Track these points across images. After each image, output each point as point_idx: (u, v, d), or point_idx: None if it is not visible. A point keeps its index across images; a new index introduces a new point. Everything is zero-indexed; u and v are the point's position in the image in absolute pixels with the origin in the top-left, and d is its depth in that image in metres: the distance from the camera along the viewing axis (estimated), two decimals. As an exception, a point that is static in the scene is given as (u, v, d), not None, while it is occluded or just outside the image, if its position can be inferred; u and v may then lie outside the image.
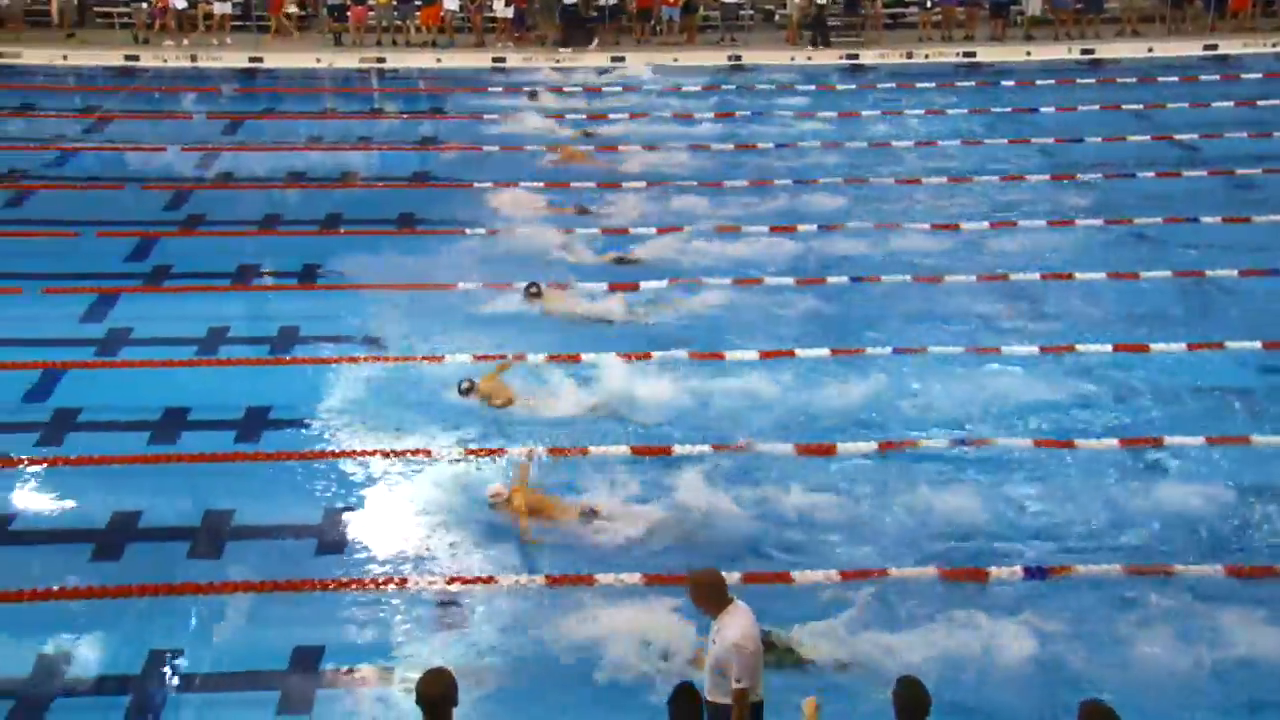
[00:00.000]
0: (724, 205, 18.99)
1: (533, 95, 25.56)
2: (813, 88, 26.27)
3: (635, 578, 10.14)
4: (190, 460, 11.78)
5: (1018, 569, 10.28)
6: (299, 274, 16.15)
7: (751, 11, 30.56)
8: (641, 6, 29.61)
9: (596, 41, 28.90)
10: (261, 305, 15.39)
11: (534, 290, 15.03)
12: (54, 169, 20.31)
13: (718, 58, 28.66)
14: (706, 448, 12.12)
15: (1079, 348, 14.16)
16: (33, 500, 11.27)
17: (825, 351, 14.18)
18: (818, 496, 11.30)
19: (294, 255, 16.66)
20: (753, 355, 14.10)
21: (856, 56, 28.65)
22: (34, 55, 27.37)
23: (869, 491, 11.49)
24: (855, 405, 13.01)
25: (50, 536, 10.80)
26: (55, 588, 9.84)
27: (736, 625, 7.26)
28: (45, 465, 11.64)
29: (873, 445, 12.22)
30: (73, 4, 28.75)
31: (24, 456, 11.70)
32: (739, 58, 28.64)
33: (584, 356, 13.85)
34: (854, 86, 26.63)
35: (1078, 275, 16.14)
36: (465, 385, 12.74)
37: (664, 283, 15.99)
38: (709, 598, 7.43)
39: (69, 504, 11.16)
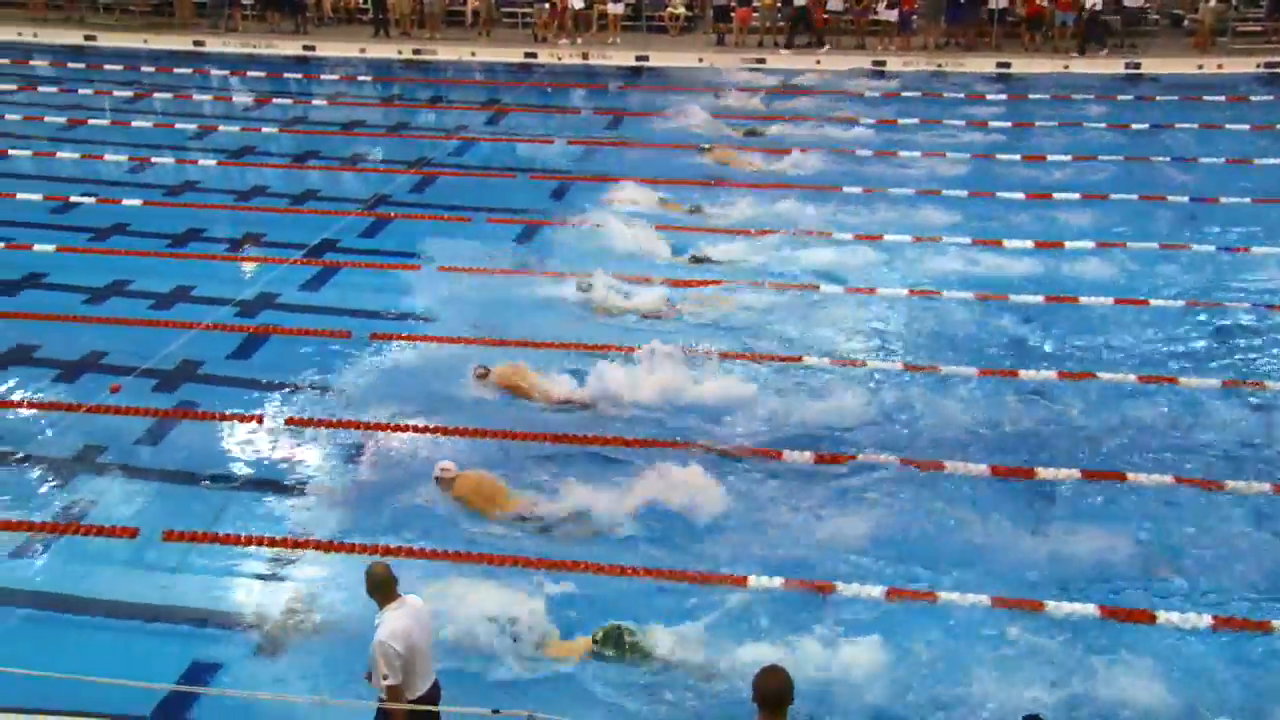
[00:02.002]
0: (1110, 220, 17.90)
1: (907, 100, 25.14)
2: (1222, 99, 24.28)
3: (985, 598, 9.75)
4: (550, 440, 12.30)
5: None
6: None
7: (1157, 16, 28.62)
8: (1031, 14, 28.38)
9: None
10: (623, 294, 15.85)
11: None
12: (454, 157, 21.86)
13: (1114, 66, 27.04)
14: (1076, 472, 11.47)
15: None
16: (416, 466, 11.89)
17: (1216, 383, 13.06)
18: (1198, 535, 10.57)
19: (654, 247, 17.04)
20: (1131, 379, 13.21)
21: None
22: (447, 52, 29.65)
23: (1249, 532, 10.58)
24: (1244, 441, 11.95)
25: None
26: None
27: (390, 624, 7.49)
28: (427, 434, 12.41)
29: (1265, 486, 11.13)
30: (491, 5, 30.88)
31: (409, 424, 12.56)
32: (1138, 65, 26.89)
33: (946, 368, 13.52)
34: (1271, 98, 24.38)
35: None
36: (480, 371, 12.98)
37: (1039, 298, 15.30)
38: (375, 591, 7.66)
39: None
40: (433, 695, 7.82)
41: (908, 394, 13.04)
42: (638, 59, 28.81)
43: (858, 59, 28.33)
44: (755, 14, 29.87)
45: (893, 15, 29.12)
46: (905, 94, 25.72)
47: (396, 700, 7.54)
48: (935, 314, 15.00)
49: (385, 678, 7.47)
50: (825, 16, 29.52)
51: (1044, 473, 11.49)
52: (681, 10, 30.97)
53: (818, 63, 28.10)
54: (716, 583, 10.01)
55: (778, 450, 11.93)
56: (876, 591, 9.87)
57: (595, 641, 9.15)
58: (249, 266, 16.76)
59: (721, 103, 24.72)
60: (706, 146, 21.31)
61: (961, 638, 9.34)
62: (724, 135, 22.30)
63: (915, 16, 29.04)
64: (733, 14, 29.65)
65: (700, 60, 28.57)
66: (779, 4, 29.61)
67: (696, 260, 16.50)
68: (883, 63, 28.05)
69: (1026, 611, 9.60)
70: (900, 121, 23.54)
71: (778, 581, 9.98)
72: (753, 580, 10.00)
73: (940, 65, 27.75)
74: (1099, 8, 27.57)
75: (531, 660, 9.08)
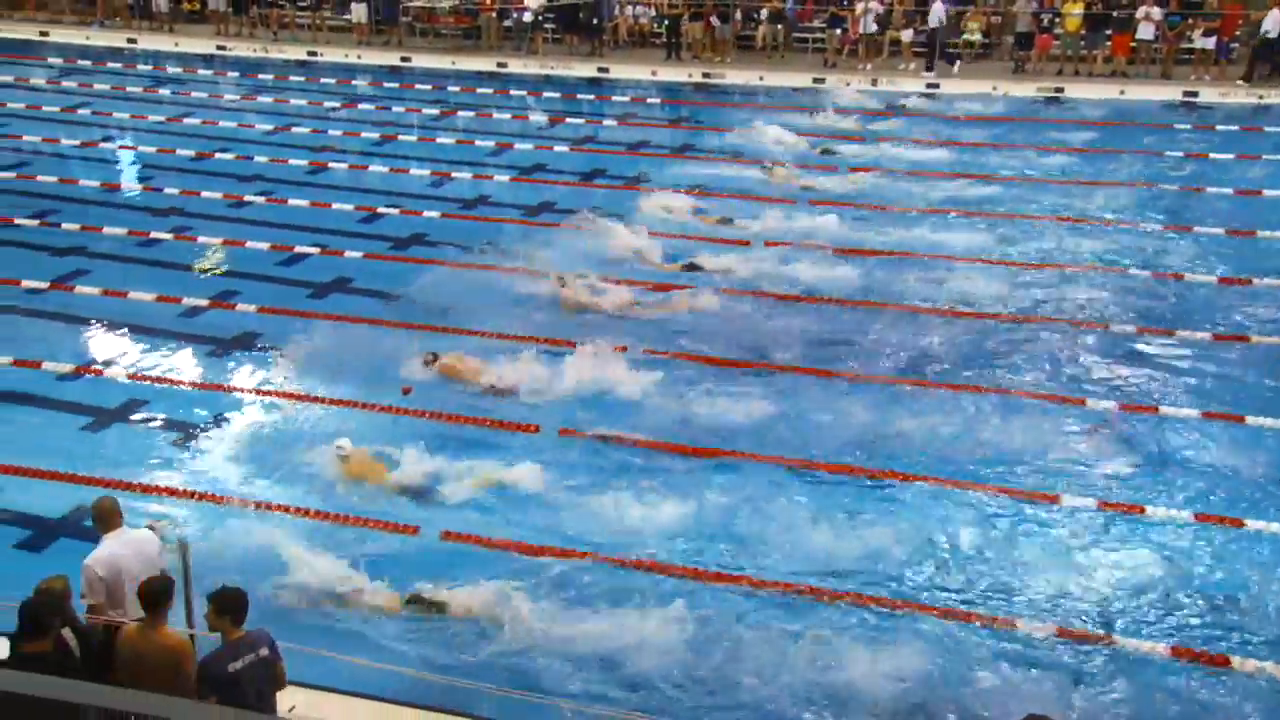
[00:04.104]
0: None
1: (1222, 133, 23.58)
2: None
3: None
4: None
5: None
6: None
7: None
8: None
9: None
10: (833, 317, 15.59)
11: None
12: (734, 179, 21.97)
13: None
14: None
15: None
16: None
17: None
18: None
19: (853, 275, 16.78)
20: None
21: None
22: (735, 76, 29.94)
23: None
24: None
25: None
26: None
27: (100, 550, 7.99)
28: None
29: None
30: (775, 30, 31.06)
31: (689, 444, 12.66)
32: None
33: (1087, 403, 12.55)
34: None
35: None
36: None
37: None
38: (95, 522, 8.22)
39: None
40: None
41: (1204, 443, 12.24)
42: (928, 85, 28.22)
43: (1165, 90, 26.81)
44: (1057, 41, 28.74)
45: (1210, 43, 27.37)
46: (1220, 127, 24.16)
47: (94, 618, 7.92)
48: (1241, 361, 14.01)
49: (84, 596, 7.96)
50: (1132, 45, 28.08)
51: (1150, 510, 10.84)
52: (977, 37, 30.15)
53: (1120, 93, 26.74)
54: (982, 622, 9.66)
55: (1054, 494, 11.39)
56: (1162, 649, 9.31)
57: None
58: (532, 279, 17.29)
59: (1010, 135, 23.93)
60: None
61: (1258, 708, 8.67)
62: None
63: (1236, 44, 27.17)
64: (1035, 40, 28.63)
65: (994, 89, 27.68)
66: (1084, 31, 28.37)
67: None
68: (1194, 93, 26.41)
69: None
70: (1212, 156, 22.10)
71: (1051, 627, 9.60)
72: (1023, 624, 9.63)
73: (1262, 97, 25.87)
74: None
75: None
